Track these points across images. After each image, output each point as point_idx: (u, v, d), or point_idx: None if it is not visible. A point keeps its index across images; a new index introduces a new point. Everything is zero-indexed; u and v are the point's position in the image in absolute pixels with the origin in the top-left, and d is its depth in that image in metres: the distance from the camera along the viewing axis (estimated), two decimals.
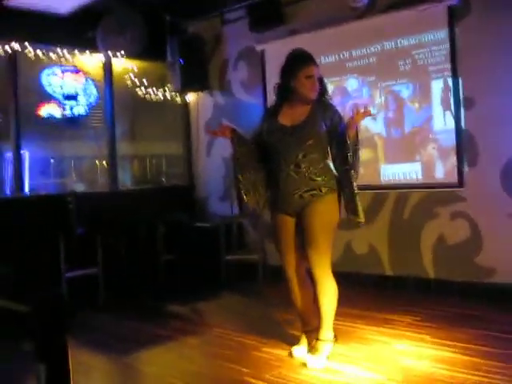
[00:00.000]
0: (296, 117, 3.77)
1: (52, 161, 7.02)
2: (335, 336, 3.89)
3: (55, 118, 6.64)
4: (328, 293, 3.77)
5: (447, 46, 5.46)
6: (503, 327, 4.33)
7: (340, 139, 3.66)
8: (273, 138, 3.78)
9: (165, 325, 5.06)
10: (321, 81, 3.81)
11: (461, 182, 5.42)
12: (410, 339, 4.20)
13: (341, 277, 6.16)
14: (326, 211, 3.74)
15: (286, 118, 3.79)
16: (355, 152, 3.69)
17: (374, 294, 5.75)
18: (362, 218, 3.69)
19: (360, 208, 3.69)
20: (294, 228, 3.85)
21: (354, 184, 3.68)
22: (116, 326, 5.14)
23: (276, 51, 6.63)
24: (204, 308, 5.49)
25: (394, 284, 5.86)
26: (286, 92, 3.81)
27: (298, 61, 3.81)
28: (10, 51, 6.13)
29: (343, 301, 5.37)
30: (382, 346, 4.11)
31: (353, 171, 3.68)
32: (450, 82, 5.45)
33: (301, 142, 3.69)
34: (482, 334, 4.22)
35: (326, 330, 3.82)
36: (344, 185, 3.73)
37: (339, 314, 4.90)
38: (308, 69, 3.75)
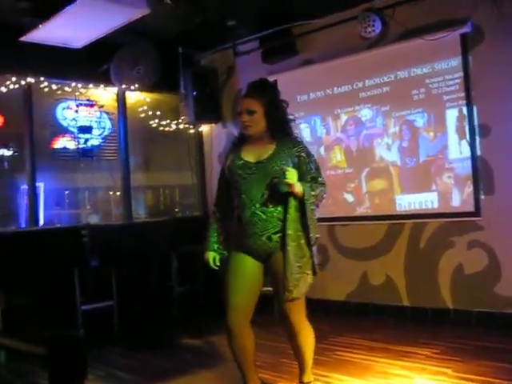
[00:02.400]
0: (261, 152, 3.42)
1: (66, 192, 7.04)
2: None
3: (70, 150, 6.67)
4: (309, 337, 3.56)
5: (461, 74, 5.45)
6: None
7: (305, 179, 3.38)
8: (235, 175, 3.43)
9: (177, 358, 5.01)
10: (271, 112, 3.41)
11: (478, 211, 5.36)
12: (431, 373, 4.11)
13: (357, 308, 6.20)
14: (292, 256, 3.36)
15: (250, 154, 3.45)
16: (310, 204, 3.35)
17: (392, 325, 5.66)
18: (315, 275, 3.41)
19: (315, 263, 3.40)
20: (256, 272, 3.47)
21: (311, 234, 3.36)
22: (128, 359, 5.11)
23: (289, 82, 6.66)
24: (218, 341, 5.41)
25: (411, 315, 5.77)
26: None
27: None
28: (25, 85, 6.19)
29: (360, 333, 5.36)
30: (403, 381, 4.03)
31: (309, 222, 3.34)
32: (464, 110, 5.43)
33: (265, 179, 3.35)
34: (505, 367, 4.10)
35: (309, 373, 3.68)
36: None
37: (356, 347, 4.88)
38: (239, 104, 3.50)
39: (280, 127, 3.46)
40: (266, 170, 3.37)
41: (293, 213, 3.32)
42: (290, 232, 3.31)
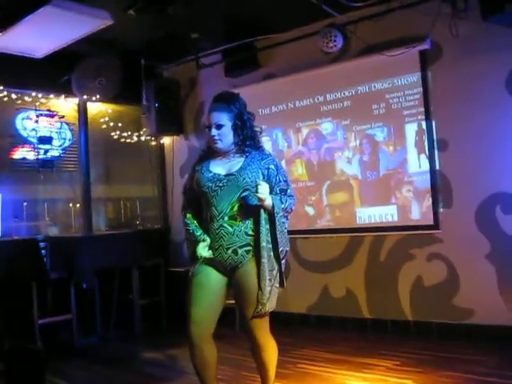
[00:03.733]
0: (230, 165, 3.41)
1: (25, 204, 6.91)
2: None
3: (29, 161, 6.57)
4: (274, 353, 3.51)
5: (420, 89, 5.56)
6: (486, 370, 4.28)
7: (274, 191, 3.39)
8: (205, 187, 3.37)
9: (139, 371, 4.95)
10: (239, 125, 3.40)
11: (437, 224, 5.45)
12: None
13: (318, 320, 6.22)
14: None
15: (219, 167, 3.41)
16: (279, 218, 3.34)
17: (353, 337, 5.70)
18: (284, 286, 3.42)
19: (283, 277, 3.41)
20: (220, 285, 3.42)
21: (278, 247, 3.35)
22: (89, 373, 5.02)
23: (251, 95, 6.65)
24: (180, 354, 5.36)
25: (372, 327, 5.82)
26: (207, 144, 3.53)
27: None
28: None
29: (321, 345, 5.39)
30: None
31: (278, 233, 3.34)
32: (423, 124, 5.54)
33: (234, 192, 3.33)
34: (466, 377, 4.17)
35: None
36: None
37: (317, 359, 4.90)
38: (206, 118, 3.44)
39: (248, 140, 3.45)
40: (236, 183, 3.34)
41: (264, 225, 3.32)
42: (263, 244, 3.30)
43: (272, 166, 3.42)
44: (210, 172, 3.40)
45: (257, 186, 3.23)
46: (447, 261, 5.38)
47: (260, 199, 3.24)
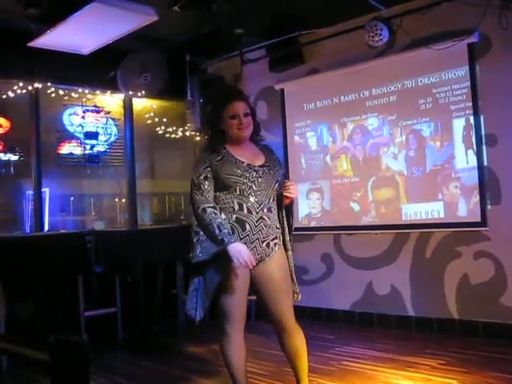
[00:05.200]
0: (254, 155, 3.38)
1: (72, 198, 7.04)
2: None
3: (76, 156, 6.68)
4: (304, 338, 3.46)
5: (468, 83, 5.43)
6: None
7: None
8: (241, 177, 3.26)
9: (182, 366, 4.98)
10: (254, 115, 3.43)
11: (484, 221, 5.33)
12: None
13: (362, 318, 6.17)
14: (285, 261, 3.40)
15: (243, 157, 3.33)
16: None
17: (397, 335, 5.64)
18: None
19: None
20: (248, 279, 3.34)
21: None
22: (132, 366, 5.08)
23: (295, 90, 6.68)
24: None
25: (417, 325, 5.73)
26: (220, 138, 3.38)
27: (220, 101, 3.42)
28: (32, 90, 6.21)
29: (365, 342, 5.34)
30: None
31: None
32: (471, 119, 5.42)
33: (271, 183, 3.33)
34: (511, 378, 4.07)
35: (307, 379, 3.53)
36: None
37: (361, 357, 4.85)
38: (231, 107, 3.33)
39: (259, 131, 3.49)
40: (271, 174, 3.34)
41: (287, 218, 3.42)
42: (290, 237, 3.41)
43: (278, 159, 3.52)
44: (242, 162, 3.30)
45: (287, 185, 3.30)
46: (494, 259, 5.26)
47: (288, 197, 3.33)
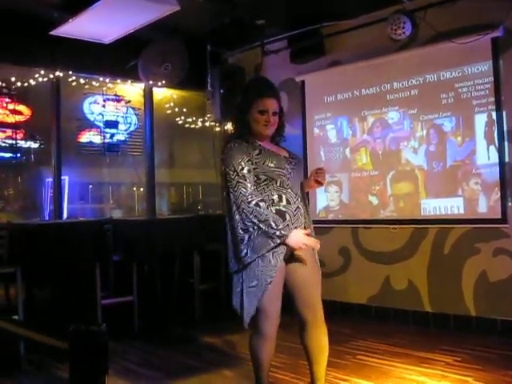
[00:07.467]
0: (278, 150, 3.43)
1: (91, 187, 7.09)
2: None
3: (95, 144, 6.71)
4: (327, 338, 3.44)
5: (491, 78, 5.37)
6: None
7: None
8: (281, 169, 3.30)
9: (198, 356, 4.99)
10: (282, 116, 3.43)
11: (504, 218, 5.28)
12: (451, 381, 4.05)
13: (378, 312, 6.14)
14: (315, 252, 3.41)
15: (276, 151, 3.41)
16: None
17: (413, 331, 5.62)
18: None
19: None
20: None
21: None
22: (148, 355, 5.10)
23: (316, 82, 6.65)
24: (238, 340, 5.39)
25: (433, 321, 5.71)
26: (244, 126, 3.39)
27: (252, 92, 3.41)
28: (53, 78, 6.24)
29: (381, 337, 5.32)
30: None
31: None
32: (493, 115, 5.35)
33: (300, 174, 3.47)
34: None
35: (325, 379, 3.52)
36: None
37: (376, 351, 4.84)
38: (261, 102, 3.32)
39: (282, 132, 3.51)
40: (299, 166, 3.48)
41: (307, 208, 3.48)
42: (312, 227, 3.45)
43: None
44: (279, 154, 3.38)
45: (321, 171, 3.41)
46: None
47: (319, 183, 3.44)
